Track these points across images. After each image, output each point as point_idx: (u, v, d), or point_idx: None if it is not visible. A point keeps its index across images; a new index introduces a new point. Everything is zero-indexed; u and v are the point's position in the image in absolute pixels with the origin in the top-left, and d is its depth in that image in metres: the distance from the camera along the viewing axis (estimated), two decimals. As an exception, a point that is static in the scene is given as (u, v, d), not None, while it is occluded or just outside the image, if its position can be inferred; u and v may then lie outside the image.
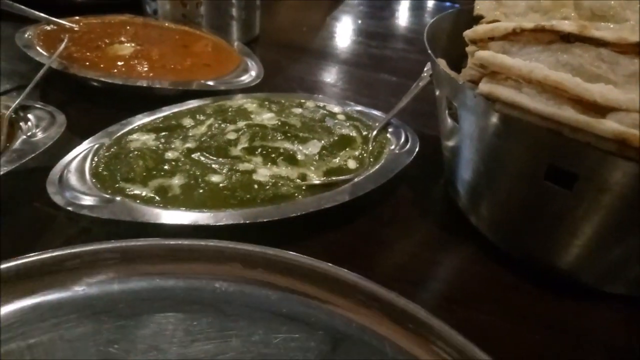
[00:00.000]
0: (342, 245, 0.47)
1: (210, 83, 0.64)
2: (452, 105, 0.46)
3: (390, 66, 0.88)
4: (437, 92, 0.51)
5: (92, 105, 0.65)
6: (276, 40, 0.95)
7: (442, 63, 0.48)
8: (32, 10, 0.76)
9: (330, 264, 0.33)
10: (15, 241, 0.46)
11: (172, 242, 0.34)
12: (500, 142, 0.41)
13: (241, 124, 0.54)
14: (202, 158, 0.50)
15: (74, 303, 0.31)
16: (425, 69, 0.65)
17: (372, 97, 0.76)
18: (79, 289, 0.31)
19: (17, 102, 0.55)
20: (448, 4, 1.33)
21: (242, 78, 0.67)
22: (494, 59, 0.37)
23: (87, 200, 0.44)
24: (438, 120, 0.54)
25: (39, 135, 0.52)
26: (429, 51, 0.49)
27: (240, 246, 0.34)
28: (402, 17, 1.20)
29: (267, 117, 0.56)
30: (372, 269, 0.45)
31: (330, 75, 0.82)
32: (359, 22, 1.13)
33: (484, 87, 0.38)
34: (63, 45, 0.63)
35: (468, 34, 0.45)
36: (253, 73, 0.69)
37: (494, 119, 0.40)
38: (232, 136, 0.52)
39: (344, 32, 1.05)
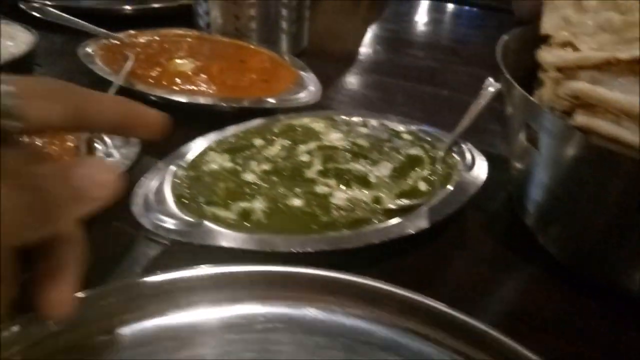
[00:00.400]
0: (407, 266, 0.47)
1: (272, 101, 0.65)
2: (530, 129, 0.46)
3: (438, 79, 0.88)
4: (510, 112, 0.51)
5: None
6: (322, 51, 0.96)
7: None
8: (91, 25, 0.78)
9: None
10: (96, 261, 0.47)
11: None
12: (588, 171, 0.41)
13: (312, 145, 0.55)
14: (279, 180, 0.50)
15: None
16: (486, 85, 0.65)
17: (426, 112, 0.76)
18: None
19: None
20: (467, 7, 1.32)
21: (302, 95, 0.68)
22: (592, 93, 0.37)
23: (173, 224, 0.45)
24: (507, 138, 0.54)
25: (116, 155, 0.53)
26: (507, 75, 0.49)
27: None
28: (430, 23, 1.20)
29: (335, 138, 0.56)
30: (438, 290, 0.45)
31: (381, 89, 0.82)
32: (395, 29, 1.13)
33: (580, 119, 0.38)
34: (130, 64, 0.64)
35: (554, 61, 0.45)
36: (311, 88, 0.70)
37: (584, 149, 0.40)
38: (305, 158, 0.53)
39: (386, 41, 1.05)
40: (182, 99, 0.62)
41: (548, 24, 0.57)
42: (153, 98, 0.63)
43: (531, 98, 0.45)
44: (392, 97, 0.80)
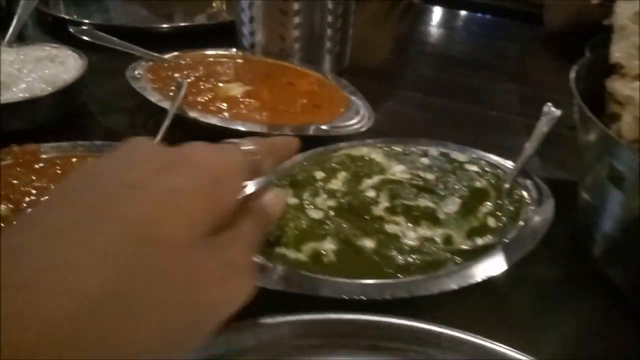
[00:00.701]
0: (472, 304, 0.46)
1: (326, 127, 0.64)
2: (613, 168, 0.45)
3: (484, 98, 0.86)
4: (584, 143, 0.50)
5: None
6: (362, 68, 0.94)
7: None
8: (138, 47, 0.77)
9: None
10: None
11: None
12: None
13: (376, 178, 0.54)
14: (347, 218, 0.49)
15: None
16: (545, 111, 0.63)
17: (477, 135, 0.74)
18: None
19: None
20: (479, 14, 1.30)
21: (355, 120, 0.67)
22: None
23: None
24: (579, 169, 0.53)
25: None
26: (586, 112, 0.47)
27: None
28: (461, 34, 1.18)
29: (399, 170, 0.55)
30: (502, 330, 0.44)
31: (427, 109, 0.81)
32: (426, 40, 1.11)
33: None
34: (182, 92, 0.63)
35: (631, 94, 0.43)
36: (363, 113, 0.69)
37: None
38: (371, 193, 0.51)
39: (424, 56, 1.04)
40: (240, 127, 0.61)
41: (619, 52, 0.55)
42: (210, 125, 0.62)
43: (619, 139, 0.43)
44: (440, 118, 0.79)
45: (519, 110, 0.83)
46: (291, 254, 0.45)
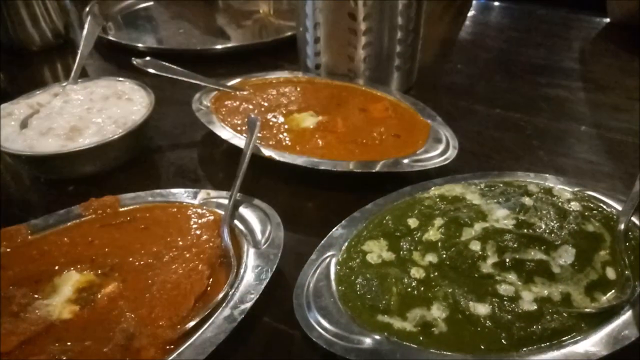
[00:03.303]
0: None
1: (410, 162, 0.59)
2: None
3: (573, 112, 0.79)
4: None
5: (287, 190, 0.62)
6: (432, 83, 0.89)
7: None
8: (201, 76, 0.75)
9: None
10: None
11: None
12: None
13: (478, 227, 0.49)
14: (453, 277, 0.45)
15: None
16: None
17: (572, 158, 0.68)
18: None
19: (230, 203, 0.53)
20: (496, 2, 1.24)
21: (439, 151, 0.62)
22: None
23: (344, 337, 0.40)
24: None
25: (263, 244, 0.49)
26: None
27: None
28: (521, 35, 1.09)
29: (502, 216, 0.50)
30: None
31: (511, 129, 0.74)
32: (493, 45, 1.04)
33: None
34: (257, 131, 0.60)
35: None
36: (446, 140, 0.63)
37: None
38: (475, 246, 0.47)
39: (494, 64, 0.96)
40: (326, 167, 0.58)
41: None
42: (290, 165, 0.59)
43: None
44: (525, 138, 0.72)
45: (609, 124, 0.75)
46: (396, 322, 0.41)
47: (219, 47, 0.99)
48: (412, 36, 0.77)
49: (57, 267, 0.47)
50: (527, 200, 0.52)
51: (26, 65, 0.99)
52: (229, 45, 1.01)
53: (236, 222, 0.52)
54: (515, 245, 0.46)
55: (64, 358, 0.38)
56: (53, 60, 1.01)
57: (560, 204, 0.52)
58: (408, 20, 0.75)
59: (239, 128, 0.65)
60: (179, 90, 0.76)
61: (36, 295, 0.44)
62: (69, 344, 0.39)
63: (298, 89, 0.75)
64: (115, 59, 0.99)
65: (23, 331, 0.40)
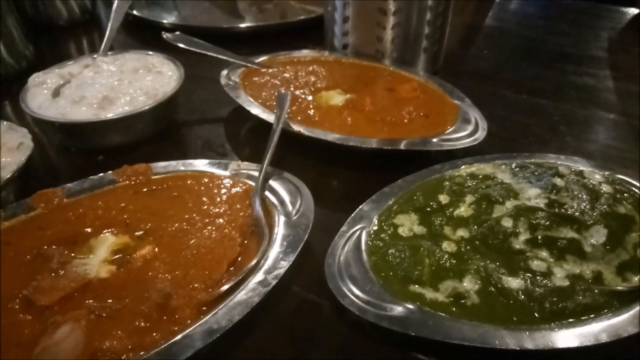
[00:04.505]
0: None
1: (441, 141, 0.59)
2: None
3: (599, 99, 0.78)
4: None
5: (314, 167, 0.62)
6: (458, 67, 0.88)
7: None
8: (230, 52, 0.75)
9: None
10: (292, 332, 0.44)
11: None
12: None
13: (509, 204, 0.49)
14: (485, 252, 0.45)
15: None
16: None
17: (599, 144, 0.68)
18: None
19: (261, 174, 0.53)
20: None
21: (468, 131, 0.62)
22: None
23: (376, 305, 0.41)
24: None
25: (294, 215, 0.50)
26: None
27: None
28: (549, 23, 1.08)
29: (533, 195, 0.50)
30: None
31: (538, 114, 0.74)
32: (521, 32, 1.03)
33: None
34: (287, 106, 0.60)
35: None
36: (475, 121, 0.63)
37: None
38: (507, 223, 0.47)
39: (522, 50, 0.96)
40: (355, 144, 0.58)
41: None
42: (323, 141, 0.59)
43: None
44: (554, 124, 0.72)
45: (638, 112, 0.75)
46: (428, 293, 0.42)
47: (242, 25, 0.99)
48: (441, 19, 0.77)
49: (92, 230, 0.48)
50: (558, 181, 0.52)
51: (53, 40, 1.00)
52: (254, 24, 1.00)
53: (267, 193, 0.53)
54: (547, 223, 0.46)
55: (103, 314, 0.39)
56: (79, 35, 1.02)
57: (591, 185, 0.52)
58: (438, 1, 0.74)
59: (267, 104, 0.66)
60: (204, 67, 0.77)
61: (73, 254, 0.45)
62: (109, 301, 0.40)
63: (325, 68, 0.75)
64: (140, 35, 1.00)
65: (63, 287, 0.41)
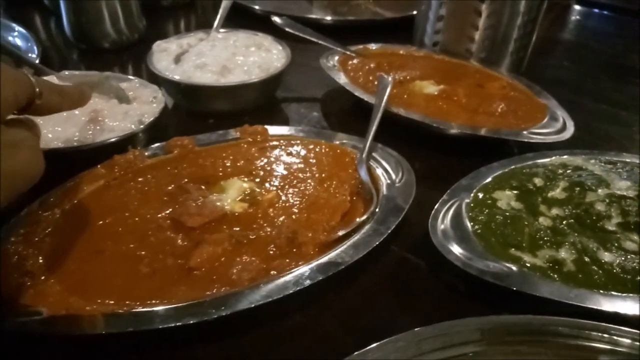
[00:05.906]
0: None
1: (527, 133, 0.63)
2: None
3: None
4: None
5: (408, 149, 0.67)
6: (540, 75, 0.91)
7: None
8: (331, 39, 0.81)
9: None
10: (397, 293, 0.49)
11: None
12: None
13: (601, 192, 0.52)
14: (580, 229, 0.49)
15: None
16: None
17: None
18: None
19: (367, 146, 0.58)
20: (596, 10, 1.26)
21: (556, 128, 0.65)
22: None
23: (479, 262, 0.45)
24: None
25: (397, 183, 0.55)
26: None
27: None
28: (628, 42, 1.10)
29: (624, 186, 0.53)
30: None
31: (620, 124, 0.77)
32: (600, 49, 1.06)
33: None
34: (389, 89, 0.66)
35: None
36: (562, 120, 0.67)
37: None
38: (600, 207, 0.50)
39: (600, 66, 0.98)
40: (453, 130, 0.63)
41: None
42: (409, 120, 0.64)
43: None
44: (633, 133, 0.75)
45: None
46: (528, 258, 0.46)
47: (329, 18, 1.05)
48: (530, 25, 0.81)
49: (222, 174, 0.54)
50: (646, 177, 0.55)
51: (159, 18, 1.08)
52: (342, 18, 1.06)
53: (371, 163, 0.58)
54: (637, 211, 0.50)
55: (244, 240, 0.45)
56: (179, 16, 1.11)
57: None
58: (530, 8, 0.79)
59: (364, 87, 0.71)
60: (299, 53, 0.83)
61: (207, 192, 0.51)
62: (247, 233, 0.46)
63: (417, 61, 0.80)
64: (237, 20, 1.07)
65: (207, 214, 0.47)
